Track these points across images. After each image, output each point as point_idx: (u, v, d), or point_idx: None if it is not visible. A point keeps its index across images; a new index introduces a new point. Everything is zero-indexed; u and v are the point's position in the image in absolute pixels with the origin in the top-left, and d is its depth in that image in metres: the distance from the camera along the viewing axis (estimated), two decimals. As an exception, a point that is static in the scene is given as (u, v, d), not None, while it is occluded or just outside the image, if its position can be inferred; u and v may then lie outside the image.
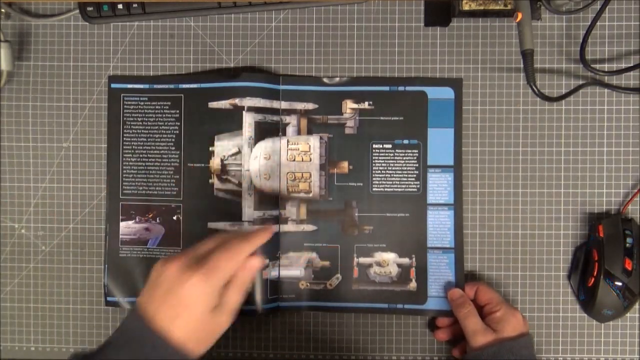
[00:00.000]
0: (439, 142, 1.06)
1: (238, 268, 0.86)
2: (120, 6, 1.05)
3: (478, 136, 1.07)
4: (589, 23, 1.01)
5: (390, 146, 1.06)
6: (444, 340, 1.07)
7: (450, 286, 1.05)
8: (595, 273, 1.02)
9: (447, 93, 1.06)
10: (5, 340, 1.10)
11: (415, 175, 1.06)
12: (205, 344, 0.83)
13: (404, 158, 1.06)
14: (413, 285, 1.06)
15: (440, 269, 1.06)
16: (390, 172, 1.06)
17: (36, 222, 1.10)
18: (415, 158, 1.06)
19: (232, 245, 0.86)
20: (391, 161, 1.06)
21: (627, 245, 1.01)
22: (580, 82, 1.05)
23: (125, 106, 1.08)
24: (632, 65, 1.04)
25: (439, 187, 1.06)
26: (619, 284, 1.00)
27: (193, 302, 0.81)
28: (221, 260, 0.83)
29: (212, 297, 0.82)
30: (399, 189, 1.06)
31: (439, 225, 1.06)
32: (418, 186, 1.06)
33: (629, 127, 1.06)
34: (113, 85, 1.09)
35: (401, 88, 1.07)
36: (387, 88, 1.07)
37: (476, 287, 1.03)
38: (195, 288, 0.81)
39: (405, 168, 1.06)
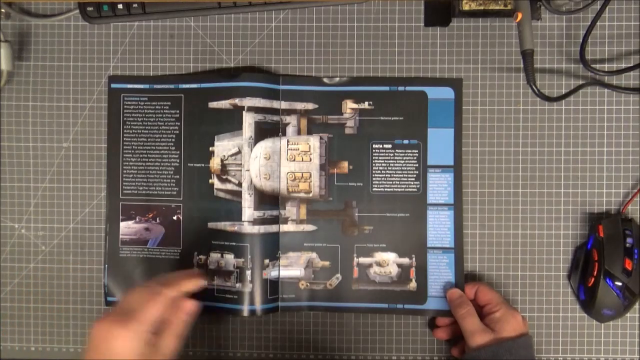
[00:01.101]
0: (439, 142, 1.06)
1: (172, 313, 0.88)
2: (120, 6, 1.05)
3: (478, 136, 1.07)
4: (589, 23, 1.01)
5: (390, 146, 1.06)
6: (443, 339, 1.07)
7: (450, 286, 1.05)
8: (595, 273, 1.02)
9: (447, 93, 1.06)
10: (5, 340, 1.10)
11: (415, 175, 1.06)
12: None
13: (404, 158, 1.06)
14: (413, 285, 1.06)
15: (440, 269, 1.06)
16: (390, 172, 1.06)
17: (36, 222, 1.10)
18: (415, 158, 1.06)
19: (154, 290, 0.87)
20: (391, 161, 1.06)
21: (627, 245, 1.01)
22: (580, 82, 1.05)
23: (125, 106, 1.08)
24: (632, 65, 1.04)
25: (439, 187, 1.06)
26: (619, 284, 1.00)
27: (120, 356, 0.82)
28: (144, 309, 0.85)
29: (139, 348, 0.83)
30: (399, 189, 1.06)
31: (439, 225, 1.06)
32: (418, 186, 1.06)
33: (629, 127, 1.06)
34: (113, 86, 1.09)
35: (401, 88, 1.07)
36: (387, 88, 1.07)
37: (476, 288, 1.02)
38: (121, 344, 0.83)
39: (405, 168, 1.06)
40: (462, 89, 1.06)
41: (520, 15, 0.98)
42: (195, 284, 0.93)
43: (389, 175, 1.06)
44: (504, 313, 0.97)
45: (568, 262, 1.07)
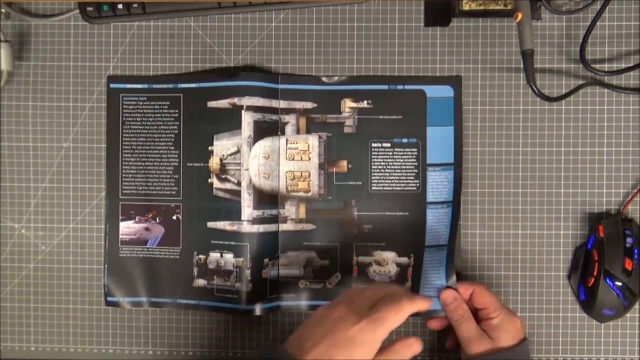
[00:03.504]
0: (439, 140, 1.06)
1: (400, 341, 0.86)
2: (120, 6, 1.05)
3: (478, 136, 1.06)
4: (589, 23, 1.01)
5: (389, 145, 1.06)
6: (436, 329, 1.06)
7: (441, 285, 1.04)
8: (595, 273, 1.01)
9: (446, 91, 1.06)
10: (5, 340, 1.11)
11: (414, 174, 1.06)
12: None
13: (403, 157, 1.06)
14: (409, 284, 1.06)
15: (434, 267, 1.05)
16: (389, 170, 1.06)
17: (36, 222, 1.10)
18: (414, 157, 1.06)
19: (401, 300, 0.85)
20: (390, 160, 1.06)
21: (627, 245, 1.01)
22: (580, 82, 1.05)
23: (124, 106, 1.08)
24: (632, 65, 1.04)
25: (439, 185, 1.06)
26: (619, 284, 1.00)
27: (354, 349, 0.80)
28: (390, 313, 0.83)
29: (373, 348, 0.81)
30: (398, 188, 1.06)
31: (437, 224, 1.06)
32: (417, 185, 1.06)
33: (629, 127, 1.06)
34: (112, 85, 1.09)
35: (400, 87, 1.06)
36: (385, 87, 1.07)
37: (472, 289, 1.00)
38: (360, 333, 0.80)
39: (404, 167, 1.06)
40: (462, 87, 1.06)
41: (520, 15, 0.98)
42: (428, 305, 0.90)
43: (387, 174, 1.06)
44: (503, 319, 0.96)
45: (568, 262, 1.07)
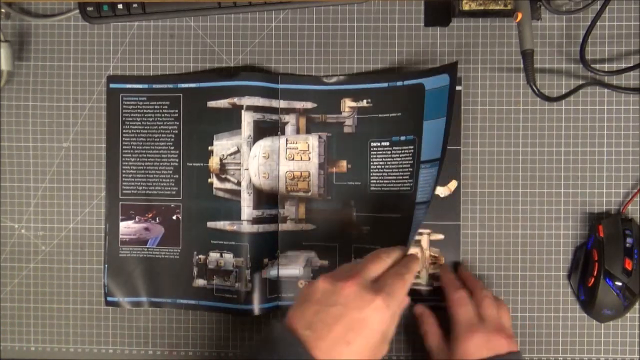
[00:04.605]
0: (432, 134, 1.03)
1: None
2: (120, 6, 1.05)
3: (478, 136, 1.06)
4: (589, 23, 1.01)
5: (387, 144, 1.06)
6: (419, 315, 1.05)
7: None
8: (595, 273, 1.01)
9: (443, 80, 1.03)
10: (5, 340, 1.11)
11: (409, 173, 1.05)
12: None
13: (401, 155, 1.05)
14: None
15: None
16: (387, 170, 1.06)
17: (36, 222, 1.10)
18: (410, 155, 1.05)
19: (400, 272, 0.85)
20: (388, 159, 1.06)
21: (627, 245, 1.01)
22: (580, 82, 1.05)
23: (124, 106, 1.08)
24: (632, 65, 1.04)
25: (426, 184, 1.03)
26: (619, 284, 1.00)
27: (371, 328, 0.79)
28: (397, 287, 0.83)
29: (389, 324, 0.81)
30: (395, 188, 1.06)
31: (416, 226, 1.03)
32: (411, 184, 1.04)
33: (629, 127, 1.05)
34: (112, 85, 1.09)
35: (399, 83, 1.06)
36: (385, 84, 1.06)
37: (451, 295, 0.99)
38: (376, 312, 0.79)
39: (401, 166, 1.05)
40: (457, 73, 1.02)
41: (520, 15, 0.98)
42: (417, 267, 0.91)
43: (385, 174, 1.06)
44: (457, 335, 0.95)
45: (568, 262, 1.06)
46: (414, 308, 1.04)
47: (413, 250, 1.05)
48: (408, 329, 1.07)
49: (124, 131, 1.08)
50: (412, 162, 1.04)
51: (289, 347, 0.77)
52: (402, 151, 1.05)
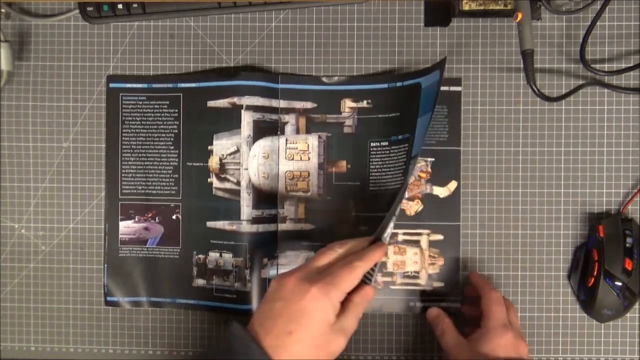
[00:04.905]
0: (421, 130, 1.03)
1: (354, 293, 0.85)
2: (120, 6, 1.05)
3: (478, 136, 1.06)
4: (589, 23, 1.01)
5: (386, 144, 1.06)
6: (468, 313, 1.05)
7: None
8: (595, 273, 1.01)
9: (435, 77, 1.03)
10: (5, 340, 1.11)
11: (402, 171, 1.05)
12: None
13: (397, 154, 1.05)
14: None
15: None
16: (385, 170, 1.06)
17: (36, 222, 1.10)
18: (405, 152, 1.05)
19: (351, 261, 0.85)
20: (386, 159, 1.06)
21: (627, 245, 1.01)
22: (580, 82, 1.05)
23: (123, 106, 1.08)
24: (632, 65, 1.04)
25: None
26: (619, 284, 1.00)
27: (310, 317, 0.80)
28: (341, 276, 0.83)
29: (330, 312, 0.81)
30: (391, 187, 1.06)
31: None
32: (402, 182, 1.04)
33: (629, 127, 1.06)
34: (112, 85, 1.09)
35: (399, 84, 1.06)
36: (385, 85, 1.06)
37: (485, 293, 0.99)
38: (314, 302, 0.81)
39: (397, 165, 1.05)
40: (445, 68, 1.00)
41: (520, 15, 0.98)
42: (381, 256, 0.90)
43: (383, 174, 1.06)
44: (491, 329, 0.95)
45: (568, 262, 1.07)
46: (427, 312, 1.04)
47: (413, 249, 1.05)
48: (415, 335, 1.07)
49: (124, 131, 1.08)
50: (405, 160, 1.04)
51: (243, 343, 0.80)
52: (399, 150, 1.05)
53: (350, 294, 0.85)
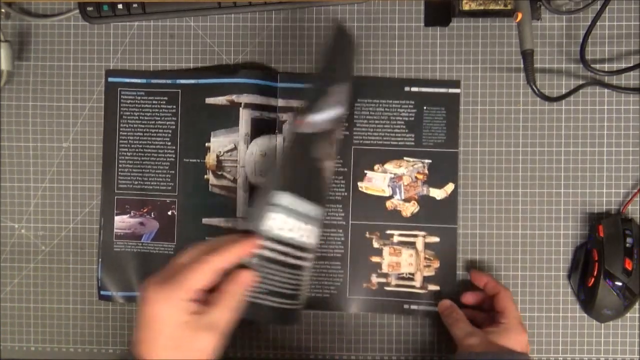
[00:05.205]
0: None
1: (227, 283, 0.84)
2: (120, 6, 1.06)
3: (478, 136, 1.06)
4: (589, 23, 1.01)
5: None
6: (470, 303, 1.06)
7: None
8: (595, 273, 1.01)
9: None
10: (5, 340, 1.11)
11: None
12: None
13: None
14: None
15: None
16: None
17: (36, 222, 1.10)
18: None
19: (200, 256, 0.84)
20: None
21: (627, 245, 1.01)
22: (580, 82, 1.05)
23: (122, 100, 1.08)
24: (632, 65, 1.04)
25: None
26: (619, 284, 1.00)
27: (157, 321, 0.80)
28: (186, 273, 0.82)
29: (177, 312, 0.80)
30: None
31: None
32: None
33: (629, 127, 1.05)
34: (110, 79, 1.09)
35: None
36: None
37: (498, 290, 1.01)
38: (157, 305, 0.80)
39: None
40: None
41: (520, 15, 0.98)
42: (245, 249, 0.87)
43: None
44: (511, 327, 0.97)
45: (568, 262, 1.06)
46: (438, 305, 1.05)
47: (408, 251, 1.06)
48: (405, 334, 1.07)
49: (121, 125, 1.08)
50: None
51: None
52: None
53: (223, 283, 0.84)
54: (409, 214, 1.07)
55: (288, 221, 0.89)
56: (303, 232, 0.92)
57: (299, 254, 0.91)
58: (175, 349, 0.80)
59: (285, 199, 0.88)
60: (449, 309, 1.03)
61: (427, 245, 1.06)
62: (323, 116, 0.92)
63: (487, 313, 1.03)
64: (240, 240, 0.87)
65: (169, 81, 1.08)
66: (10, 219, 1.10)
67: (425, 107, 1.06)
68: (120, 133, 1.09)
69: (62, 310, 1.10)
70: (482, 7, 1.01)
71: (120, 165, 1.08)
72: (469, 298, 1.05)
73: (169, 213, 1.08)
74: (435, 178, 1.06)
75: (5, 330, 1.11)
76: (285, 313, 0.93)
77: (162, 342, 0.80)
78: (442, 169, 1.06)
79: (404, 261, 1.06)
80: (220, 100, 1.05)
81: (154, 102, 1.08)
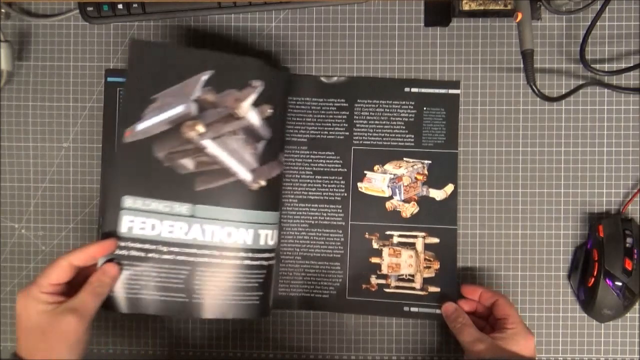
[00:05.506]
0: None
1: (94, 276, 0.93)
2: (120, 6, 1.05)
3: (478, 136, 1.06)
4: (589, 23, 1.01)
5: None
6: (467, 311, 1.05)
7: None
8: (595, 273, 1.01)
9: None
10: (5, 340, 1.11)
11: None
12: (49, 347, 0.89)
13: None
14: None
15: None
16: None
17: (36, 222, 1.10)
18: None
19: (58, 259, 0.91)
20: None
21: (627, 245, 1.01)
22: (580, 82, 1.05)
23: (121, 100, 1.08)
24: (632, 65, 1.04)
25: None
26: (619, 284, 1.00)
27: (22, 318, 0.91)
28: (42, 274, 0.90)
29: (34, 304, 0.90)
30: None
31: None
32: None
33: (629, 127, 1.06)
34: (109, 79, 1.09)
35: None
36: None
37: (494, 299, 1.00)
38: (20, 304, 0.91)
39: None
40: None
41: (520, 15, 0.98)
42: (100, 249, 0.94)
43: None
44: (518, 332, 0.96)
45: (568, 262, 1.07)
46: (442, 307, 1.04)
47: (408, 252, 1.05)
48: (405, 333, 1.07)
49: (120, 125, 1.08)
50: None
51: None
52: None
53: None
54: (408, 215, 1.07)
55: (147, 221, 0.95)
56: (167, 229, 0.96)
57: (176, 249, 0.96)
58: (41, 334, 0.89)
59: (130, 201, 0.95)
60: (454, 313, 1.02)
61: (427, 246, 1.06)
62: (153, 121, 0.95)
63: (484, 320, 1.03)
64: (96, 242, 0.94)
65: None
66: (10, 219, 1.10)
67: (425, 108, 1.06)
68: (119, 132, 1.08)
69: (62, 310, 1.10)
70: (482, 7, 1.01)
71: (120, 165, 1.08)
72: (463, 306, 1.04)
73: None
74: (435, 179, 1.06)
75: (5, 330, 1.11)
76: (186, 306, 0.97)
77: (29, 332, 0.90)
78: (442, 169, 1.06)
79: (404, 262, 1.06)
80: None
81: None
